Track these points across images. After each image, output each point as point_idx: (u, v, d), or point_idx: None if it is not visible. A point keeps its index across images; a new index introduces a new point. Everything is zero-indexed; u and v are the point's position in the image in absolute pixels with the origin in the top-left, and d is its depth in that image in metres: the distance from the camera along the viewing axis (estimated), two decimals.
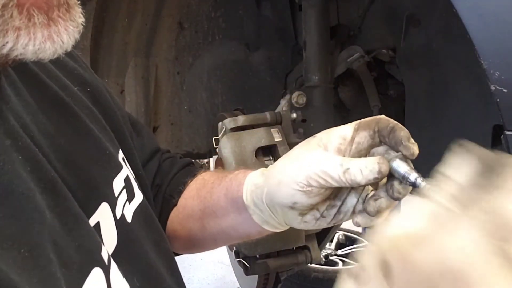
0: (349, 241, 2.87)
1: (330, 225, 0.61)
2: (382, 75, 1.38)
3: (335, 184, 0.55)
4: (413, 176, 0.53)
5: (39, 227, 0.41)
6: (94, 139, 0.57)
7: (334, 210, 0.60)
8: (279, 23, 1.60)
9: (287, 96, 1.30)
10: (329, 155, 0.56)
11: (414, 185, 0.53)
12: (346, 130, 0.57)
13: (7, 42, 0.40)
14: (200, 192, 0.75)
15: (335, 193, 0.59)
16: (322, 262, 2.58)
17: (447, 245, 0.32)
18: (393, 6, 1.23)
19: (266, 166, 0.67)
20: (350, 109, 1.47)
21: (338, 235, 2.85)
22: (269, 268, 1.25)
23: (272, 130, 1.23)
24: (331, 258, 2.70)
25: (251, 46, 1.70)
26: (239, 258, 1.24)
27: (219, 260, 2.92)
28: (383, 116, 0.57)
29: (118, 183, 0.59)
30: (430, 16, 1.10)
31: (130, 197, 0.61)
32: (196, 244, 0.77)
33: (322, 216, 0.60)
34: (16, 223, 0.40)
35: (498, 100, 0.67)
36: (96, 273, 0.46)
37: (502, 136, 0.71)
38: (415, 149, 0.53)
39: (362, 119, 0.57)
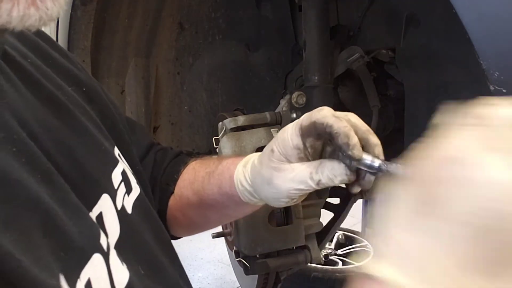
0: (349, 241, 2.87)
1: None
2: (382, 75, 1.38)
3: (313, 189, 0.63)
4: (377, 162, 0.58)
5: (30, 213, 0.42)
6: (90, 135, 0.59)
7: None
8: (279, 23, 1.60)
9: (287, 96, 1.31)
10: (297, 171, 0.62)
11: (379, 170, 0.58)
12: (295, 141, 0.63)
13: None
14: (192, 185, 0.80)
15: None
16: (322, 262, 2.58)
17: (445, 146, 0.38)
18: (392, 6, 1.23)
19: None
20: (350, 109, 1.47)
21: (338, 235, 2.85)
22: (269, 268, 1.25)
23: (272, 130, 1.23)
24: (331, 257, 2.70)
25: (251, 46, 1.70)
26: (239, 257, 1.24)
27: (219, 259, 2.92)
28: (318, 117, 0.61)
29: (116, 176, 0.61)
30: (430, 16, 1.10)
31: (128, 190, 0.63)
32: (198, 228, 0.86)
33: None
34: (6, 207, 0.41)
35: None
36: (97, 258, 0.48)
37: None
38: (358, 154, 0.57)
39: (302, 121, 0.62)
